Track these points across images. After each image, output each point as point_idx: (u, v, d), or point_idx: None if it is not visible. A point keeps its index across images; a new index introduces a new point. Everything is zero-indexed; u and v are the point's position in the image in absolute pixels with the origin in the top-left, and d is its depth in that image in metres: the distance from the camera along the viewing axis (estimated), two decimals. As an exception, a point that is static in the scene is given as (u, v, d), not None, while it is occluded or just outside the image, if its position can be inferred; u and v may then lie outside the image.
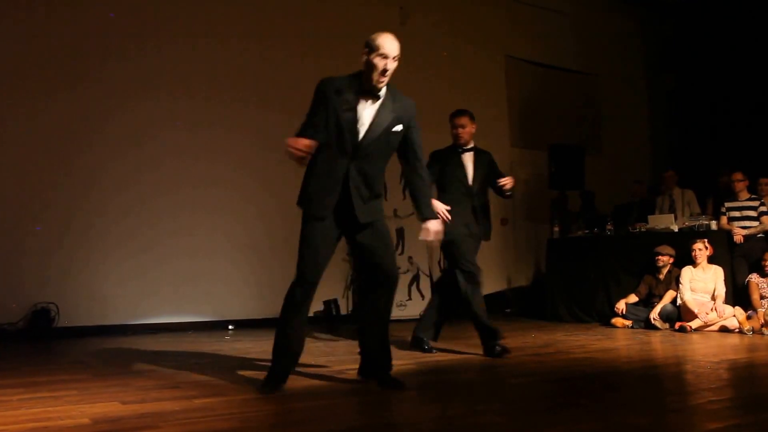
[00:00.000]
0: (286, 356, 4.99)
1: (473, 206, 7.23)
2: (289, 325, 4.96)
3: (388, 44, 4.78)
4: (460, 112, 7.34)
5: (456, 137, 7.31)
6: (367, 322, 5.19)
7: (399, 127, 4.97)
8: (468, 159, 7.32)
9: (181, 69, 10.43)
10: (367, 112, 4.87)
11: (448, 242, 6.83)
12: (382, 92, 4.90)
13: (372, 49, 4.78)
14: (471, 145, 7.38)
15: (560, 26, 14.58)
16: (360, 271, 5.16)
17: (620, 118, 15.38)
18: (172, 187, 10.17)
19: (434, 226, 5.18)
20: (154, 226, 10.01)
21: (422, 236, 5.20)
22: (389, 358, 5.20)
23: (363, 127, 4.85)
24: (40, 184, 9.43)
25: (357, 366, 5.44)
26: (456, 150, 7.33)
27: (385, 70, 4.76)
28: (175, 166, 10.19)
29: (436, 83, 12.60)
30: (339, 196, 4.85)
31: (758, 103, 13.71)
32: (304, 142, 4.60)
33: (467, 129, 7.30)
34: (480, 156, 7.37)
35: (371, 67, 4.77)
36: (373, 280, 5.09)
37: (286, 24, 11.19)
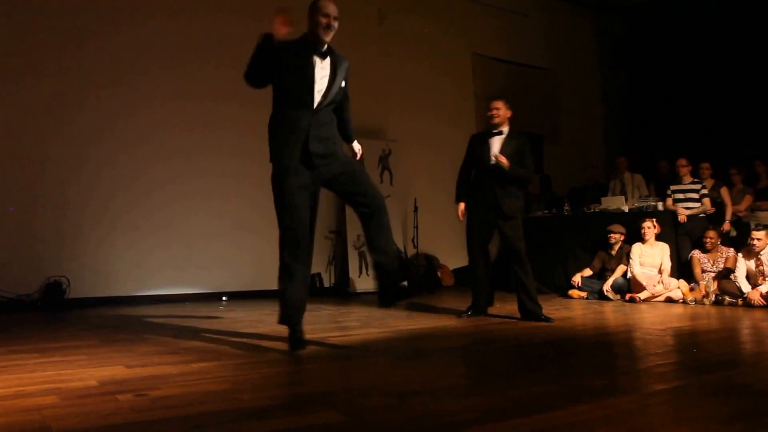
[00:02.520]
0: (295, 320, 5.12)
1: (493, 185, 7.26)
2: (287, 292, 5.08)
3: (329, 5, 4.89)
4: (496, 98, 7.56)
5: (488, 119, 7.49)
6: (375, 246, 5.14)
7: (344, 83, 5.06)
8: (496, 141, 7.37)
9: (179, 41, 10.41)
10: (319, 68, 4.93)
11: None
12: (328, 51, 4.99)
13: (314, 10, 4.88)
14: (504, 129, 7.40)
15: (523, 27, 14.58)
16: (354, 207, 5.09)
17: (576, 110, 15.42)
18: (175, 179, 10.16)
19: (357, 145, 5.43)
20: (156, 210, 10.00)
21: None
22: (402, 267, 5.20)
23: (319, 83, 4.90)
24: (55, 171, 9.39)
25: (336, 335, 5.43)
26: (489, 132, 7.48)
27: (329, 25, 4.87)
28: (176, 162, 10.17)
29: (411, 78, 12.58)
30: (304, 147, 4.87)
31: (700, 96, 13.77)
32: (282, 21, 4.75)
33: (501, 112, 7.36)
34: (509, 139, 7.37)
35: (317, 24, 4.86)
36: (364, 212, 5.13)
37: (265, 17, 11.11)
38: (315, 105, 4.89)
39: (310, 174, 4.91)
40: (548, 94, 15.02)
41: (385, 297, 5.18)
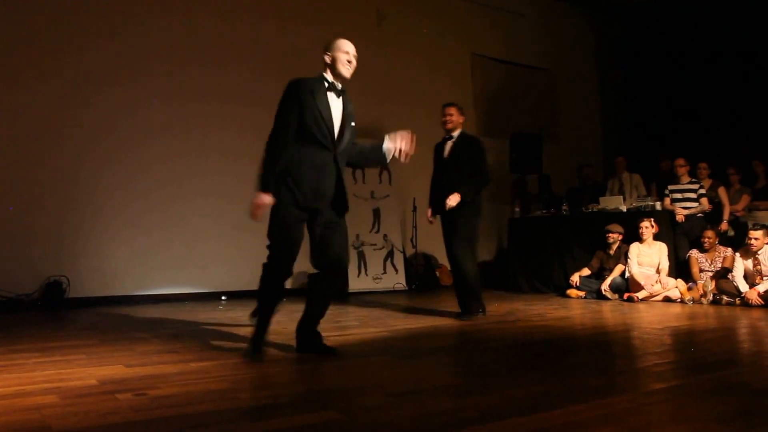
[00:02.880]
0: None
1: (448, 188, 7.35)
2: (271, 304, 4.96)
3: (348, 44, 4.92)
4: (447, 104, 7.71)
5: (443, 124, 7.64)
6: (314, 302, 5.10)
7: (353, 123, 5.02)
8: (448, 146, 7.58)
9: (180, 42, 10.42)
10: (335, 106, 4.88)
11: None
12: (342, 89, 4.96)
13: (334, 48, 4.89)
14: (456, 133, 7.60)
15: (521, 27, 14.57)
16: (315, 257, 4.99)
17: (574, 110, 15.42)
18: (174, 179, 10.18)
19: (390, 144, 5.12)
20: (156, 211, 10.00)
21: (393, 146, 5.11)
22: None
23: (337, 122, 4.87)
24: (55, 171, 9.40)
25: (335, 334, 5.43)
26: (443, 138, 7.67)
27: (349, 61, 4.88)
28: (176, 162, 10.18)
29: (410, 78, 12.58)
30: (333, 188, 4.84)
31: (698, 96, 13.77)
32: (266, 200, 4.63)
33: (454, 117, 7.57)
34: (461, 143, 7.55)
35: (337, 61, 4.86)
36: (328, 269, 5.06)
37: (266, 22, 11.12)
38: (335, 145, 4.85)
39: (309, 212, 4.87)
40: (546, 94, 15.02)
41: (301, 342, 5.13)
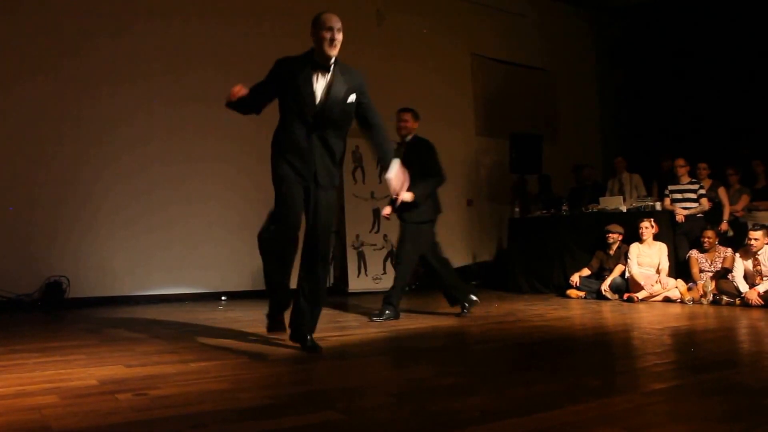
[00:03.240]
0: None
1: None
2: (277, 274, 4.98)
3: (331, 18, 4.92)
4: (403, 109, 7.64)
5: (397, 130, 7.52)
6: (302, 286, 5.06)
7: (353, 97, 4.95)
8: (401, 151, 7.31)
9: (180, 44, 10.42)
10: (320, 84, 4.86)
11: None
12: (332, 66, 4.92)
13: (317, 25, 4.89)
14: (409, 138, 7.54)
15: (521, 27, 14.57)
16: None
17: (574, 110, 15.42)
18: (174, 179, 10.18)
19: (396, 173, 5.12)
20: (156, 211, 10.00)
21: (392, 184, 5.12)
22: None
23: (318, 98, 4.84)
24: (55, 171, 9.40)
25: (335, 334, 5.43)
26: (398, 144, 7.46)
27: (332, 39, 4.83)
28: (176, 162, 10.18)
29: (410, 79, 12.57)
30: (306, 162, 4.85)
31: (697, 96, 13.77)
32: (236, 89, 4.88)
33: (408, 124, 7.53)
34: (412, 149, 7.44)
35: (320, 40, 4.84)
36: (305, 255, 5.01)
37: (266, 22, 11.11)
38: (312, 121, 4.84)
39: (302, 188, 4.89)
40: (546, 95, 15.01)
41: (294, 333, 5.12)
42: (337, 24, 4.89)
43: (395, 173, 5.05)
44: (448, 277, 7.87)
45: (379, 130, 5.16)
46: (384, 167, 5.19)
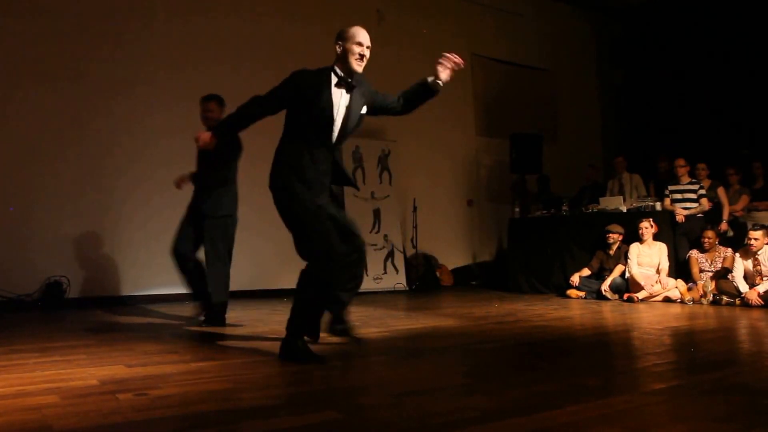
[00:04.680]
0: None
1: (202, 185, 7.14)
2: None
3: (362, 33, 4.67)
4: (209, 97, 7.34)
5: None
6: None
7: (364, 109, 4.87)
8: None
9: (180, 45, 10.42)
10: (342, 102, 4.70)
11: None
12: (355, 80, 4.74)
13: (346, 38, 4.65)
14: None
15: (521, 27, 14.57)
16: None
17: (574, 110, 15.42)
18: (172, 179, 10.15)
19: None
20: (156, 210, 9.99)
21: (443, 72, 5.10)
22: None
23: (339, 118, 4.69)
24: (55, 171, 9.40)
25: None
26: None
27: (362, 56, 4.64)
28: (176, 162, 10.14)
29: (410, 78, 12.54)
30: (322, 180, 4.75)
31: (697, 96, 13.79)
32: (206, 135, 4.81)
33: (214, 114, 7.26)
34: None
35: (348, 53, 4.63)
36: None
37: (265, 23, 11.13)
38: (333, 141, 4.74)
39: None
40: (546, 95, 15.02)
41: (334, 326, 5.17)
42: (368, 40, 4.69)
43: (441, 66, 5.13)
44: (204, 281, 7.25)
45: (400, 93, 5.14)
46: (429, 95, 5.17)
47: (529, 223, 11.59)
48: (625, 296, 9.28)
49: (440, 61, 4.99)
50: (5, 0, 9.16)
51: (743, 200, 10.56)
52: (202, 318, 7.04)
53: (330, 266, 4.54)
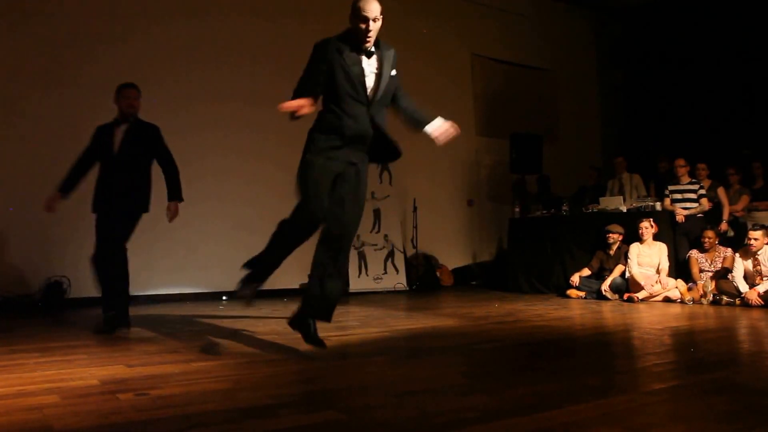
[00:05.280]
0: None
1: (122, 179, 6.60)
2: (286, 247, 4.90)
3: (368, 6, 4.66)
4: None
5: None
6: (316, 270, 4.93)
7: (394, 72, 4.91)
8: (121, 131, 6.73)
9: (182, 45, 10.46)
10: (366, 65, 4.78)
11: None
12: (373, 46, 4.81)
13: (354, 13, 4.71)
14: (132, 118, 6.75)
15: (521, 27, 14.57)
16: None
17: (574, 110, 15.42)
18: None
19: (440, 122, 5.02)
20: (156, 210, 9.97)
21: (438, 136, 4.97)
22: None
23: (369, 79, 4.77)
24: (55, 171, 9.38)
25: (335, 334, 5.44)
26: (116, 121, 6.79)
27: (368, 31, 4.68)
28: (178, 163, 10.16)
29: (410, 78, 12.53)
30: (363, 142, 4.81)
31: (697, 96, 13.78)
32: (297, 103, 4.58)
33: (138, 102, 6.80)
34: (138, 129, 6.77)
35: (356, 30, 4.71)
36: (328, 231, 4.85)
37: (264, 22, 11.14)
38: (370, 99, 4.78)
39: (345, 155, 4.80)
40: (546, 95, 15.03)
41: (295, 320, 4.97)
42: (375, 12, 4.68)
43: (438, 128, 4.98)
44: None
45: (409, 98, 5.15)
46: (421, 124, 5.03)
47: (529, 223, 11.59)
48: (625, 296, 9.28)
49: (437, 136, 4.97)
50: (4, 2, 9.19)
51: (743, 200, 10.56)
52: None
53: (303, 212, 4.70)
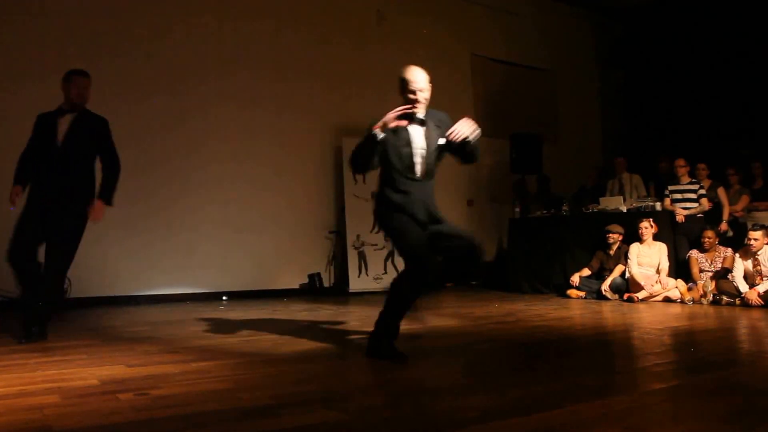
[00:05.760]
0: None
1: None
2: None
3: (417, 78, 4.87)
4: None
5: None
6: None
7: (442, 140, 4.98)
8: (66, 121, 6.18)
9: (180, 46, 10.43)
10: (417, 137, 4.93)
11: None
12: (422, 115, 4.95)
13: (403, 86, 4.89)
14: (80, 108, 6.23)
15: (521, 27, 14.54)
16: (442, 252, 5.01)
17: (574, 110, 15.40)
18: (175, 180, 10.17)
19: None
20: (156, 211, 10.00)
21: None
22: None
23: (418, 151, 4.92)
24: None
25: (335, 334, 5.43)
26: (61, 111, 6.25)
27: (416, 101, 4.86)
28: (176, 163, 10.19)
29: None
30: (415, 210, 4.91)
31: (697, 96, 13.77)
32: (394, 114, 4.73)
33: (88, 91, 6.30)
34: (85, 119, 6.24)
35: (409, 101, 4.86)
36: (456, 255, 5.04)
37: (265, 23, 11.14)
38: (418, 174, 4.95)
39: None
40: (546, 95, 15.01)
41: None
42: (423, 82, 4.88)
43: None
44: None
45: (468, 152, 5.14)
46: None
47: (529, 223, 11.58)
48: (625, 296, 9.28)
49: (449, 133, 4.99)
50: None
51: (743, 200, 10.55)
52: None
53: (423, 269, 4.81)
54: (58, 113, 6.19)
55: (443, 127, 4.97)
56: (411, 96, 4.84)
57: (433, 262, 4.89)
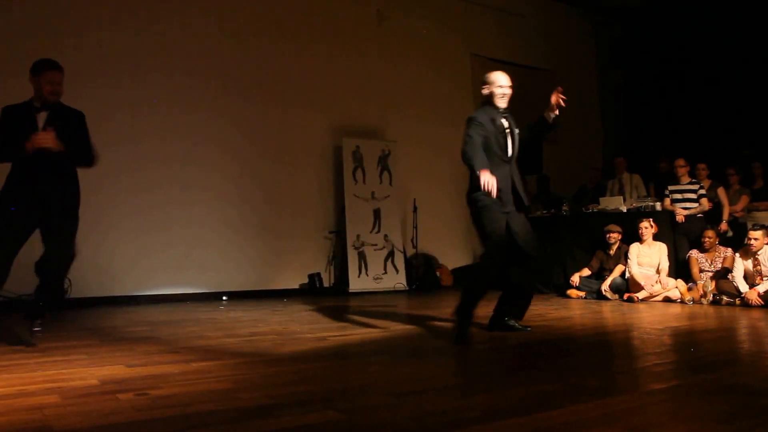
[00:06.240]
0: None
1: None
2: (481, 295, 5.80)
3: (502, 78, 6.00)
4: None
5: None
6: (511, 286, 6.20)
7: (517, 130, 6.03)
8: (44, 117, 5.71)
9: (180, 45, 10.44)
10: (506, 125, 5.95)
11: None
12: (503, 110, 5.99)
13: (490, 83, 5.97)
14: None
15: (521, 28, 14.55)
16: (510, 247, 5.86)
17: (574, 110, 15.35)
18: (175, 180, 10.17)
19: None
20: (156, 211, 9.99)
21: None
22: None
23: (509, 139, 5.94)
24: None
25: (335, 334, 5.43)
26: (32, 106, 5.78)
27: (504, 96, 5.97)
28: (176, 163, 10.18)
29: (410, 79, 12.57)
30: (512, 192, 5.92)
31: (697, 96, 13.77)
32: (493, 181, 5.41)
33: (62, 87, 5.79)
34: (62, 114, 5.82)
35: (494, 95, 5.95)
36: (518, 256, 5.91)
37: (267, 22, 11.14)
38: (509, 156, 5.96)
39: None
40: (546, 95, 14.93)
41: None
42: (508, 82, 6.02)
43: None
44: None
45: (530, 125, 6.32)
46: (545, 129, 6.52)
47: (530, 224, 11.56)
48: (625, 296, 9.28)
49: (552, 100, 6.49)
50: None
51: (743, 200, 10.55)
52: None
53: (492, 261, 5.71)
54: (31, 109, 5.72)
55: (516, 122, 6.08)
56: (498, 90, 5.92)
57: (503, 254, 5.74)
